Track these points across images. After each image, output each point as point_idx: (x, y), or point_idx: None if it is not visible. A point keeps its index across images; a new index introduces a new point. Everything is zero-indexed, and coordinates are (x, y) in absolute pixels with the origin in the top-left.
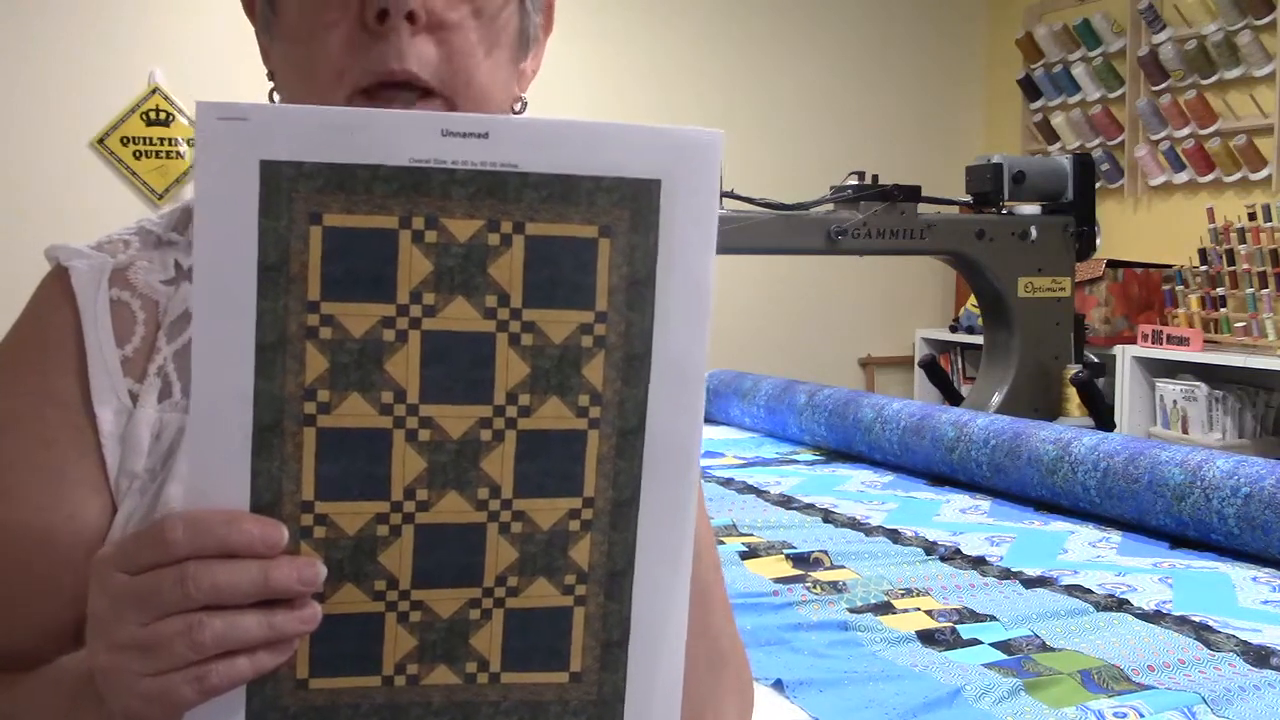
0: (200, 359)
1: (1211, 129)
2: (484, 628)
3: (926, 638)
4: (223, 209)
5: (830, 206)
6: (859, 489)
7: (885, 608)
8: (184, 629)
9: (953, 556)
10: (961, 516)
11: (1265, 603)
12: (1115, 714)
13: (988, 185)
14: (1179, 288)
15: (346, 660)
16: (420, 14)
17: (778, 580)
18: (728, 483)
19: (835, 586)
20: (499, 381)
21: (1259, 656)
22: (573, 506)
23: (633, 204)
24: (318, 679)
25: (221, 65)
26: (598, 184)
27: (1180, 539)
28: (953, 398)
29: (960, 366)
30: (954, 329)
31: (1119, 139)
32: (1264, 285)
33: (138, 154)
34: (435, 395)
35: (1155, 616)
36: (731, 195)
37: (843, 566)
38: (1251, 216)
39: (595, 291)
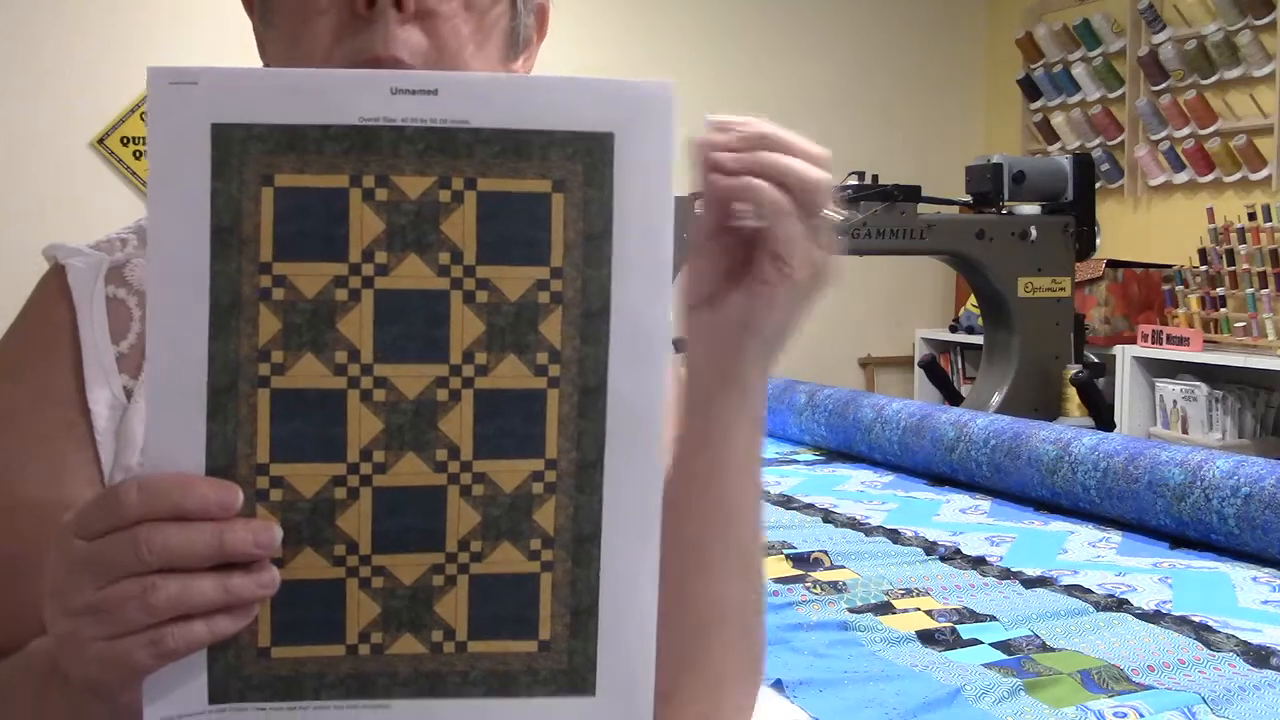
0: (154, 324)
1: (1211, 129)
2: (448, 594)
3: (926, 638)
4: (175, 173)
5: None
6: (859, 489)
7: (885, 608)
8: (138, 592)
9: (953, 556)
10: (961, 516)
11: (1265, 603)
12: (1115, 714)
13: (988, 185)
14: (1179, 288)
15: (309, 628)
16: (408, 1)
17: (778, 580)
18: None
19: (835, 586)
20: (454, 340)
21: (1259, 656)
22: (535, 468)
23: (586, 158)
24: (280, 648)
25: (221, 65)
26: (550, 138)
27: (1180, 539)
28: (953, 398)
29: (960, 366)
30: (954, 329)
31: (1119, 139)
32: (1264, 285)
33: (138, 154)
34: (390, 354)
35: (1155, 616)
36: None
37: (843, 566)
38: (1251, 216)
39: (550, 247)
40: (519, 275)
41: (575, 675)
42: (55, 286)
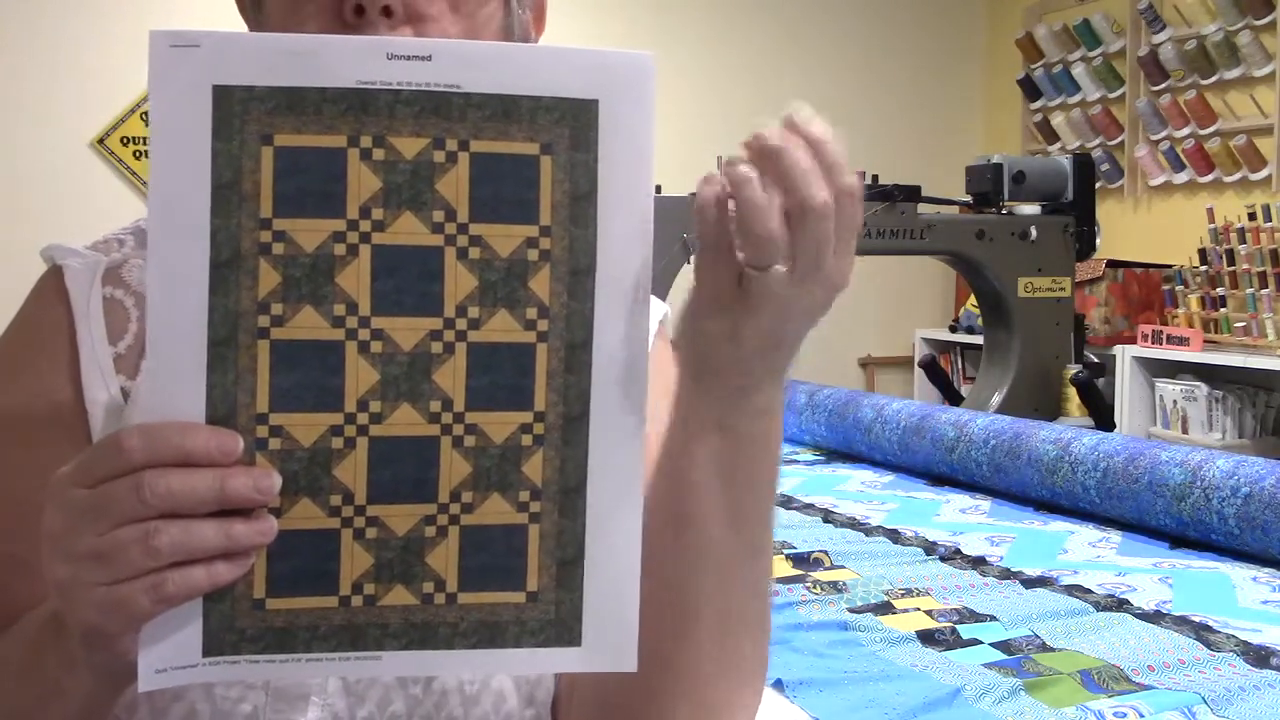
0: (156, 278)
1: (1211, 129)
2: (440, 546)
3: (926, 638)
4: (176, 133)
5: None
6: (859, 489)
7: (885, 608)
8: (140, 536)
9: (953, 556)
10: (961, 516)
11: (1265, 603)
12: (1115, 714)
13: (988, 185)
14: (1179, 288)
15: (304, 579)
16: (397, 8)
17: (778, 580)
18: None
19: (835, 586)
20: (448, 294)
21: (1259, 656)
22: (524, 421)
23: (572, 123)
24: (275, 599)
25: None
26: (538, 103)
27: (1180, 539)
28: (953, 398)
29: (960, 366)
30: (954, 329)
31: (1119, 139)
32: (1264, 285)
33: (138, 154)
34: (386, 307)
35: (1155, 616)
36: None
37: (843, 566)
38: (1251, 216)
39: (539, 206)
40: (510, 233)
41: (562, 626)
42: (52, 288)
